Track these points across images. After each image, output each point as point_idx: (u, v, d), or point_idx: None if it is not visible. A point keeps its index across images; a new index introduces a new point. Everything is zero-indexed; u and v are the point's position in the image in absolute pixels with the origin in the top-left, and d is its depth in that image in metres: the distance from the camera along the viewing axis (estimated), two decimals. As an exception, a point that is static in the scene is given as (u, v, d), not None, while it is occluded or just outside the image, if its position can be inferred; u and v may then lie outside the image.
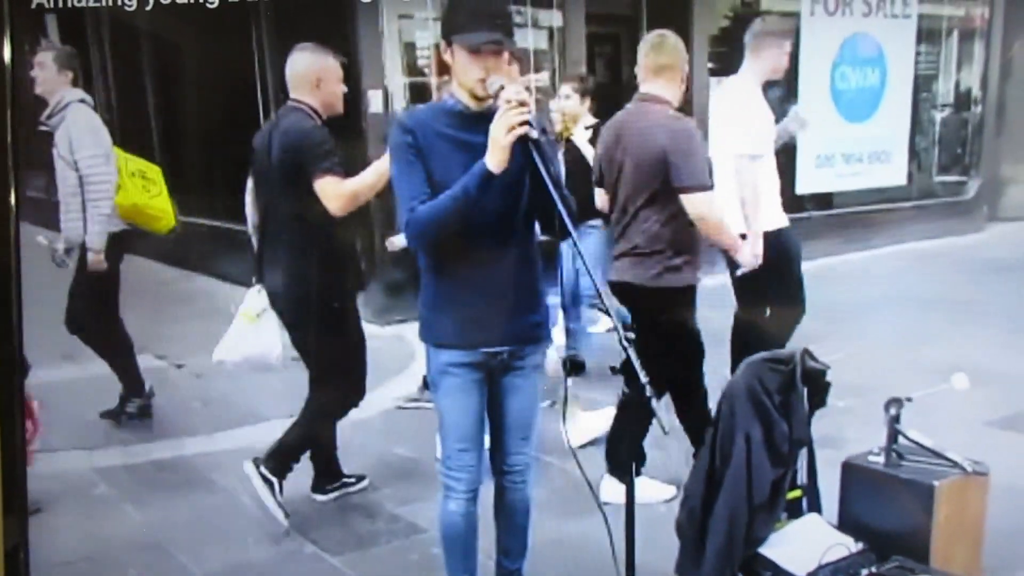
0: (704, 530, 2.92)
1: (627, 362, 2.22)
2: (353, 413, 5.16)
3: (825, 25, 9.07)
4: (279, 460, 3.80)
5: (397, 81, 7.02)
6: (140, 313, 7.99)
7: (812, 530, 2.98)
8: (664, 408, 2.26)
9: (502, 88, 2.47)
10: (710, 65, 8.66)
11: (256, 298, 4.23)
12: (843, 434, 3.83)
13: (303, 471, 4.35)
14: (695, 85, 8.44)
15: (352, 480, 4.04)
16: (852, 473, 3.09)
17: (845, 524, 3.05)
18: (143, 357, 6.42)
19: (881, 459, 3.05)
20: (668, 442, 3.38)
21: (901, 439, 3.06)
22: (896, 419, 3.06)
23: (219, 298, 8.51)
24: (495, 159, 2.40)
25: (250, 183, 4.71)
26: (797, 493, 3.07)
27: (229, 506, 4.04)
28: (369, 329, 6.99)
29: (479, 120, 2.55)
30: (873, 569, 2.80)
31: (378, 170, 3.58)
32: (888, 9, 9.55)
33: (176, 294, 8.78)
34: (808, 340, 5.30)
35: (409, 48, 7.10)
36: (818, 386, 3.03)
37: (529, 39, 7.75)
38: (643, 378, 2.17)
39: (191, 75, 9.82)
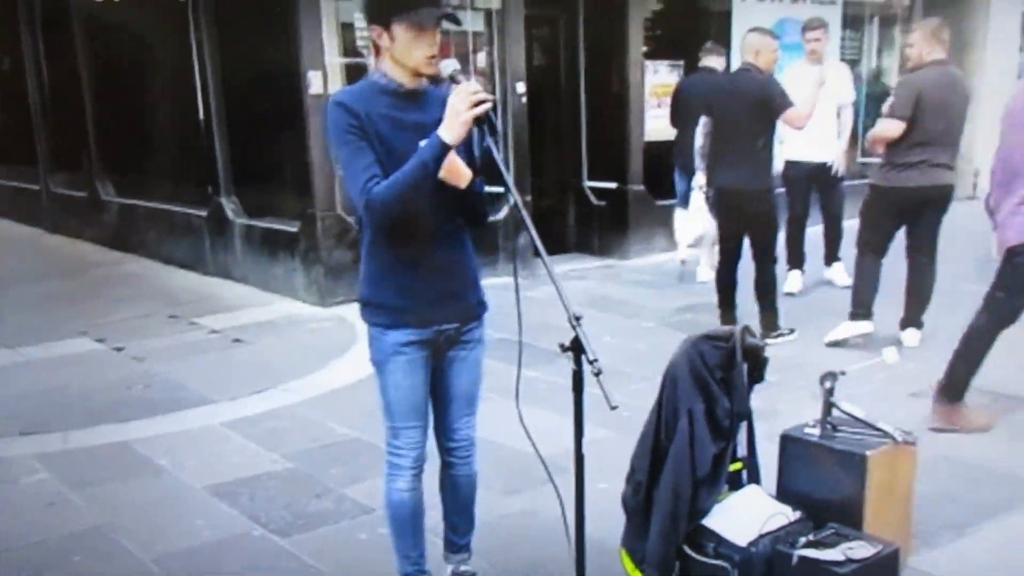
0: (649, 504, 2.96)
1: (576, 340, 2.27)
2: (298, 394, 5.19)
3: (756, 9, 9.27)
4: None
5: (335, 62, 6.97)
6: (78, 296, 7.87)
7: (752, 501, 3.05)
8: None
9: (456, 71, 2.52)
10: (645, 48, 8.77)
11: None
12: (775, 408, 3.95)
13: (245, 457, 4.35)
14: (629, 63, 8.56)
15: None
16: (789, 445, 3.16)
17: (783, 494, 3.13)
18: (81, 340, 6.33)
19: (816, 431, 3.13)
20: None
21: (835, 411, 3.15)
22: (830, 392, 3.14)
23: (158, 281, 8.42)
24: (454, 132, 2.41)
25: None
26: (738, 466, 3.13)
27: (175, 490, 4.03)
28: (311, 311, 7.03)
29: (413, 98, 2.59)
30: (810, 536, 2.86)
31: None
32: (816, -5, 9.79)
33: (114, 277, 8.65)
34: (748, 317, 5.47)
35: (346, 29, 7.04)
36: (756, 362, 3.09)
37: (468, 21, 7.75)
38: (591, 355, 2.22)
39: (127, 59, 9.64)
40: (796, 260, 7.21)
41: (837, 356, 5.25)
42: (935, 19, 5.62)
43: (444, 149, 2.42)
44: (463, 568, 3.10)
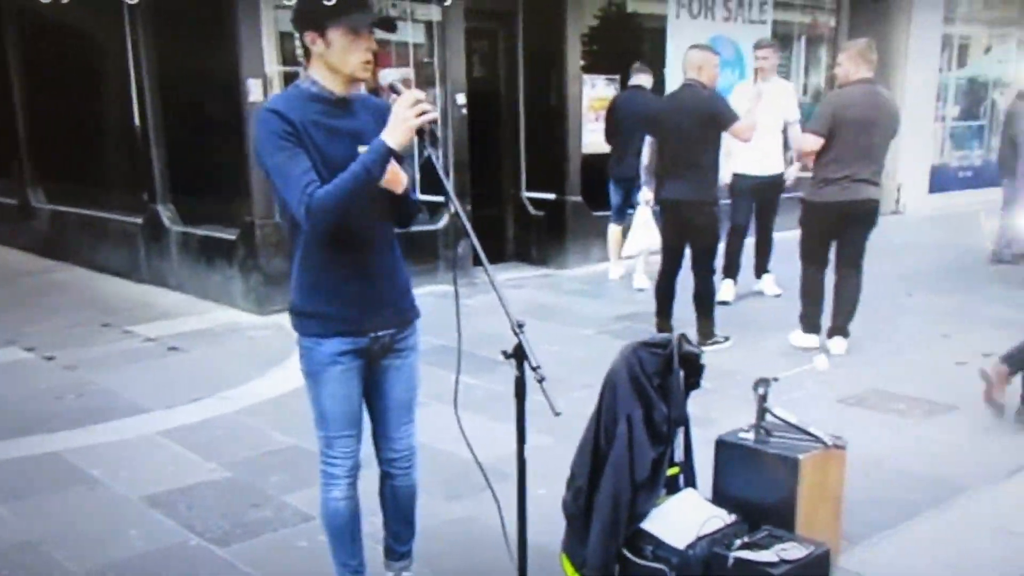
0: (590, 508, 3.01)
1: (519, 347, 2.31)
2: (236, 402, 5.13)
3: (690, 27, 9.49)
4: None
5: (274, 70, 6.94)
6: (7, 305, 7.67)
7: (689, 504, 3.12)
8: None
9: (395, 81, 2.55)
10: (583, 62, 8.91)
11: None
12: (710, 414, 4.04)
13: (182, 467, 4.29)
14: (567, 77, 8.69)
15: None
16: (724, 449, 3.24)
17: (719, 497, 3.20)
18: (10, 350, 6.17)
19: (751, 436, 3.22)
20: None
21: (768, 416, 3.24)
22: (764, 398, 3.23)
23: (91, 289, 8.24)
24: (399, 137, 2.42)
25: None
26: (675, 470, 3.20)
27: (109, 500, 3.95)
28: (249, 319, 6.96)
29: (344, 105, 2.59)
30: (745, 538, 2.93)
31: None
32: (746, 15, 10.08)
33: (45, 285, 8.44)
34: (684, 325, 5.58)
35: (286, 37, 7.01)
36: (693, 369, 3.17)
37: (408, 33, 7.79)
38: (534, 363, 2.26)
39: (60, 62, 9.43)
40: (731, 270, 7.37)
41: (770, 363, 5.39)
42: (863, 40, 5.85)
43: (389, 154, 2.43)
44: (404, 575, 3.10)
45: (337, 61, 2.51)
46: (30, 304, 7.69)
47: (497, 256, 8.87)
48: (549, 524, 3.12)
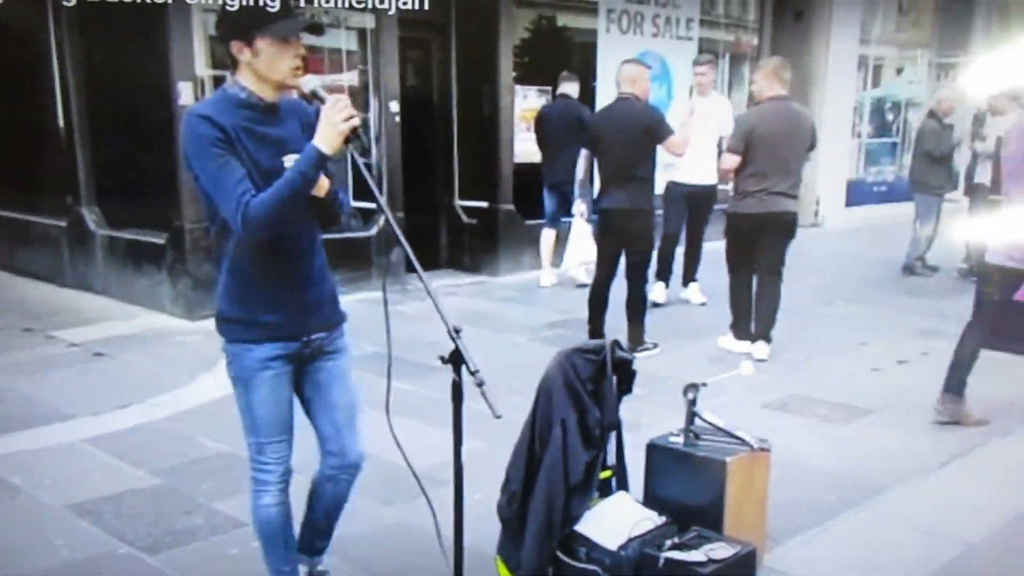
0: (524, 512, 3.07)
1: (456, 351, 2.36)
2: (165, 408, 5.06)
3: (620, 42, 9.69)
4: None
5: (205, 74, 6.87)
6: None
7: (621, 507, 3.19)
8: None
9: (317, 88, 2.57)
10: (515, 73, 9.02)
11: None
12: (640, 419, 4.14)
13: (109, 474, 4.22)
14: (500, 87, 8.78)
15: None
16: (655, 453, 3.33)
17: (650, 500, 3.29)
18: (-73, 356, 5.96)
19: (680, 439, 3.31)
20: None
21: (697, 420, 3.34)
22: (693, 402, 3.33)
23: (12, 293, 7.99)
24: (331, 142, 2.44)
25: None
26: (607, 473, 3.28)
27: (32, 509, 3.86)
28: (178, 324, 6.85)
29: (273, 112, 2.60)
30: (675, 540, 3.02)
31: None
32: (674, 31, 10.35)
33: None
34: (617, 332, 5.67)
35: (216, 41, 6.93)
36: (625, 374, 3.26)
37: (342, 39, 7.78)
38: (472, 367, 2.31)
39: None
40: (664, 274, 7.59)
41: (698, 369, 5.53)
42: (776, 58, 6.13)
43: (322, 160, 2.46)
44: (320, 568, 3.11)
45: (266, 69, 2.51)
46: (-54, 309, 7.43)
47: (430, 263, 8.88)
48: (484, 528, 3.16)
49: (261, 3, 2.60)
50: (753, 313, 6.08)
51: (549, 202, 8.11)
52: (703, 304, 7.48)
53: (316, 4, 7.10)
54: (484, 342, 6.27)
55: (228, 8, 2.62)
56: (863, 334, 6.70)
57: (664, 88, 10.16)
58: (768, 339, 5.99)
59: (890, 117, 13.90)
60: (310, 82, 2.57)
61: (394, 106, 7.98)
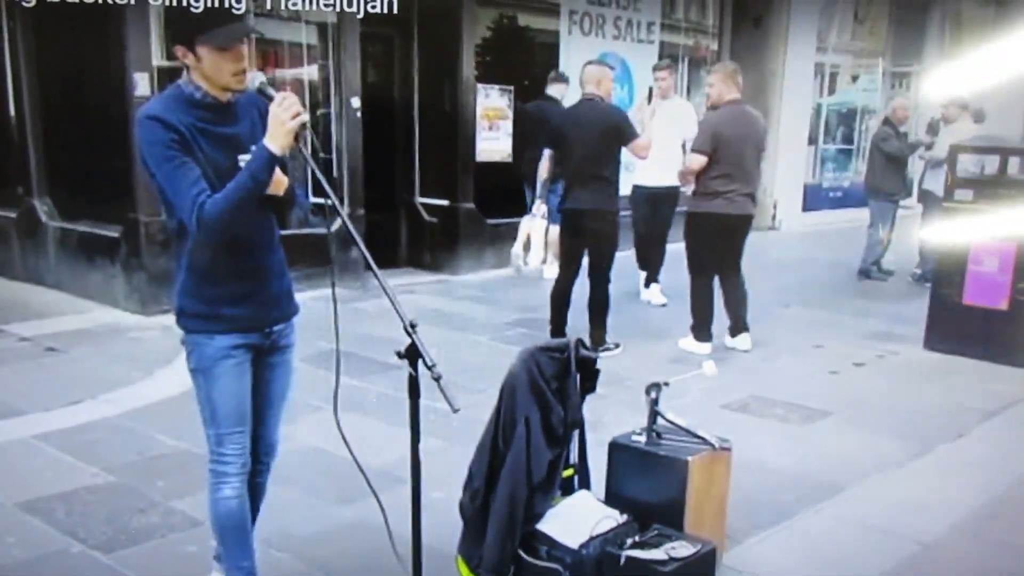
0: (486, 510, 3.05)
1: (412, 346, 2.35)
2: (119, 405, 4.97)
3: (582, 43, 9.75)
4: None
5: (162, 65, 6.77)
6: None
7: (583, 505, 3.20)
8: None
9: (263, 83, 2.58)
10: (477, 72, 9.01)
11: None
12: (601, 418, 4.16)
13: (61, 471, 4.13)
14: (461, 85, 8.76)
15: None
16: (617, 451, 3.34)
17: (611, 498, 3.29)
18: None
19: (643, 438, 3.32)
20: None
21: (659, 420, 3.36)
22: (655, 402, 3.35)
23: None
24: (281, 142, 2.45)
25: None
26: (570, 472, 3.28)
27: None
28: (133, 319, 6.73)
29: (226, 111, 2.60)
30: (636, 538, 3.03)
31: None
32: (635, 34, 10.44)
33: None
34: (580, 332, 5.68)
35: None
36: (589, 373, 3.27)
37: (302, 33, 7.72)
38: (429, 361, 2.31)
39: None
40: (653, 274, 7.81)
41: (659, 369, 5.55)
42: (731, 63, 6.27)
43: (273, 159, 2.47)
44: None
45: (211, 74, 2.53)
46: None
47: (390, 262, 8.84)
48: (445, 527, 3.15)
49: (209, 5, 2.58)
50: (726, 310, 6.20)
51: (529, 195, 8.15)
52: (663, 306, 7.54)
53: (283, 5, 7.01)
54: (444, 341, 6.24)
55: (172, 12, 2.61)
56: (820, 337, 6.79)
57: (625, 90, 10.23)
58: (747, 328, 6.15)
59: (846, 124, 14.13)
60: (256, 79, 2.58)
61: (355, 102, 7.92)
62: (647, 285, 7.81)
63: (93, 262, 7.16)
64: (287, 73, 7.90)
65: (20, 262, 7.84)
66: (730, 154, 5.85)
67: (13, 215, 7.83)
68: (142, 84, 6.51)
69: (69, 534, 3.53)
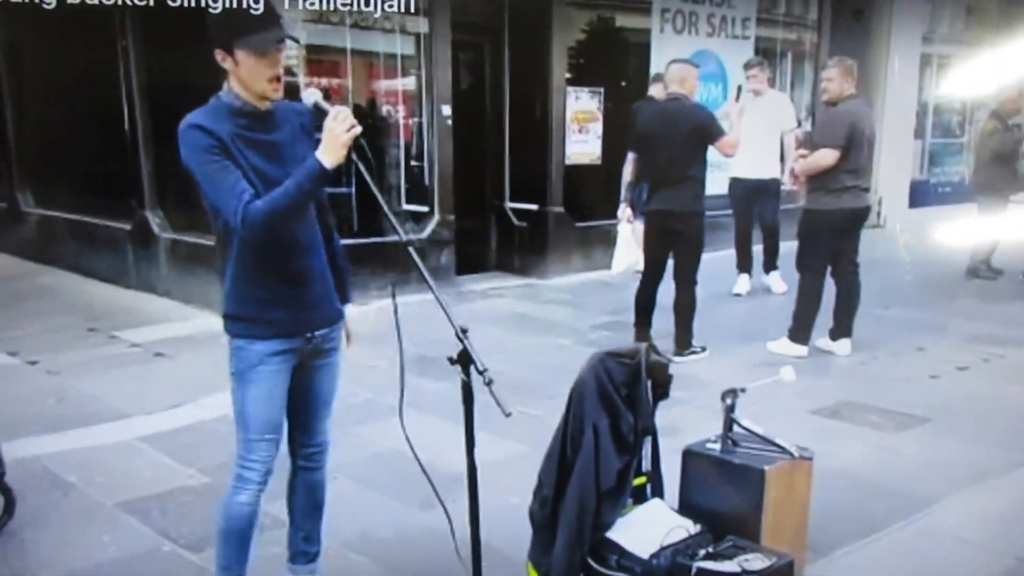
0: (555, 517, 3.05)
1: (464, 351, 2.37)
2: (217, 409, 5.14)
3: (674, 42, 9.60)
4: None
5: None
6: (-9, 308, 7.67)
7: (655, 514, 3.16)
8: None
9: (319, 100, 2.62)
10: (567, 75, 9.00)
11: None
12: (681, 424, 4.10)
13: (159, 472, 4.31)
14: (552, 89, 8.77)
15: None
16: (691, 460, 3.29)
17: (685, 507, 3.25)
18: (-7, 353, 6.18)
19: (718, 446, 3.26)
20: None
21: (736, 427, 3.29)
22: (731, 409, 3.28)
23: (78, 293, 8.25)
24: (334, 155, 2.49)
25: None
26: (642, 480, 3.25)
27: (83, 506, 3.95)
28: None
29: (266, 119, 2.64)
30: (710, 549, 2.98)
31: None
32: (729, 30, 10.23)
33: (31, 289, 8.44)
34: (666, 336, 5.62)
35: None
36: (661, 379, 3.23)
37: (397, 45, 7.87)
38: (480, 366, 2.33)
39: (49, 67, 9.43)
40: (745, 265, 7.86)
41: (744, 373, 5.44)
42: (848, 58, 6.09)
43: (323, 173, 2.51)
44: None
45: (247, 79, 2.57)
46: (16, 308, 7.68)
47: (479, 266, 8.90)
48: (519, 533, 3.16)
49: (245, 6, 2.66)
50: (835, 311, 6.11)
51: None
52: (783, 294, 7.52)
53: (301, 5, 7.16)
54: (529, 344, 6.27)
55: (211, 13, 2.69)
56: (922, 339, 6.53)
57: (720, 87, 10.06)
58: (851, 334, 6.07)
59: (955, 116, 13.54)
60: (312, 96, 2.63)
61: (446, 110, 8.03)
62: (767, 271, 7.91)
63: (199, 271, 7.45)
64: (382, 84, 8.08)
65: (134, 272, 8.23)
66: (862, 149, 5.80)
67: (127, 227, 8.23)
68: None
69: (162, 533, 3.69)
